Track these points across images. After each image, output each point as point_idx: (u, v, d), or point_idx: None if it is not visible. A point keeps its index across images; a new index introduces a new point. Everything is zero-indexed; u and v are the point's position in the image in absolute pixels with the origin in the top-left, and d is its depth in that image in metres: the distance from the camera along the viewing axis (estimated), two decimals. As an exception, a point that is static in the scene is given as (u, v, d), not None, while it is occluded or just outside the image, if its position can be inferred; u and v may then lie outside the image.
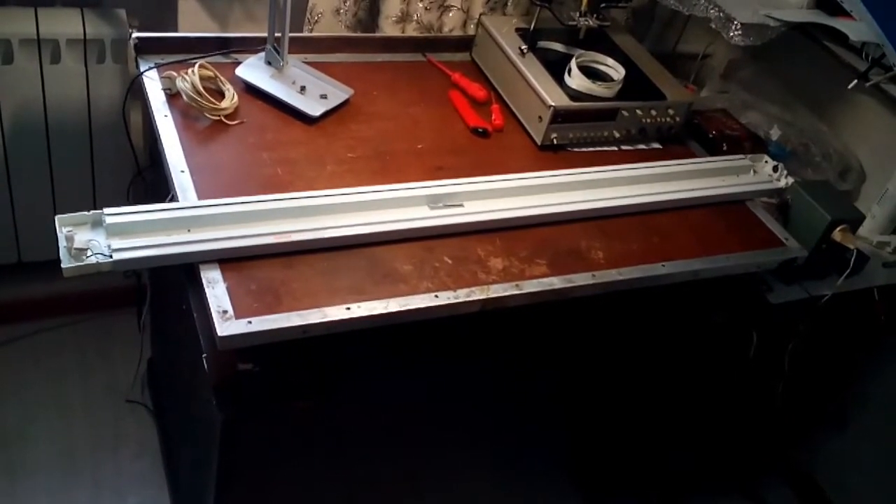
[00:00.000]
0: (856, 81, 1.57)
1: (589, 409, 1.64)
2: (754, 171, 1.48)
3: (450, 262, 1.15)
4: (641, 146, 1.54)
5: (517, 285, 1.14)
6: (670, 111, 1.52)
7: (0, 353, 1.90)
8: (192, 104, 1.27)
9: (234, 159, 1.24)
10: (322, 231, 1.11)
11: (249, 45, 1.43)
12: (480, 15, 1.67)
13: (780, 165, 1.48)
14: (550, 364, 1.45)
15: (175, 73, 1.30)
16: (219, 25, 1.70)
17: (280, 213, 1.11)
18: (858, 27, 1.57)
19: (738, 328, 1.44)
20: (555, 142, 1.44)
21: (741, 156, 1.51)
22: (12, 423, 1.78)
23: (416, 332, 1.13)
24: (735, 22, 1.59)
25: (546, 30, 1.57)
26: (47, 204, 1.74)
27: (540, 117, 1.43)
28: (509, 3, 1.83)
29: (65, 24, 1.55)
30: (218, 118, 1.29)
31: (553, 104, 1.40)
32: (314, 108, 1.35)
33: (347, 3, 1.69)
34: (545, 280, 1.17)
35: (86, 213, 1.03)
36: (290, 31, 1.35)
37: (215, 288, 1.01)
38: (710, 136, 1.62)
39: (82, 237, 1.00)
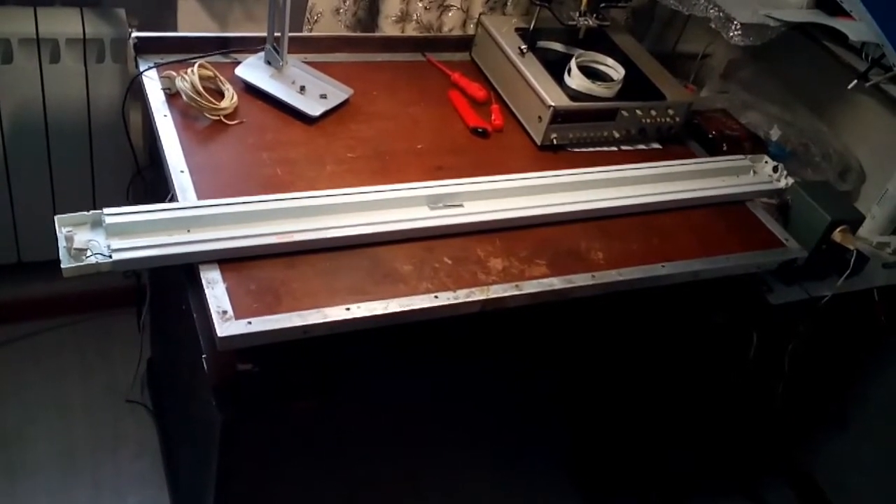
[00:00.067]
0: (855, 81, 1.57)
1: (589, 409, 1.64)
2: (754, 172, 1.48)
3: (450, 262, 1.15)
4: (641, 146, 1.54)
5: (517, 286, 1.14)
6: (670, 111, 1.52)
7: (0, 354, 1.90)
8: (192, 104, 1.27)
9: (233, 159, 1.24)
10: (322, 231, 1.10)
11: (249, 45, 1.43)
12: (480, 15, 1.67)
13: (780, 166, 1.48)
14: (550, 364, 1.45)
15: (174, 73, 1.30)
16: (218, 25, 1.70)
17: (280, 214, 1.11)
18: (858, 27, 1.57)
19: (739, 329, 1.44)
20: (554, 142, 1.44)
21: (741, 156, 1.51)
22: (12, 423, 1.78)
23: (417, 333, 1.13)
24: (735, 22, 1.59)
25: (546, 29, 1.57)
26: (47, 204, 1.74)
27: (540, 117, 1.42)
28: (509, 3, 1.83)
29: (64, 24, 1.55)
30: (217, 118, 1.28)
31: (553, 104, 1.40)
32: (314, 108, 1.35)
33: (347, 3, 1.69)
34: (545, 280, 1.16)
35: (85, 213, 1.03)
36: (290, 31, 1.35)
37: (215, 288, 1.01)
38: (710, 136, 1.62)
39: (82, 237, 1.00)
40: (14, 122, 1.62)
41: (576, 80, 1.46)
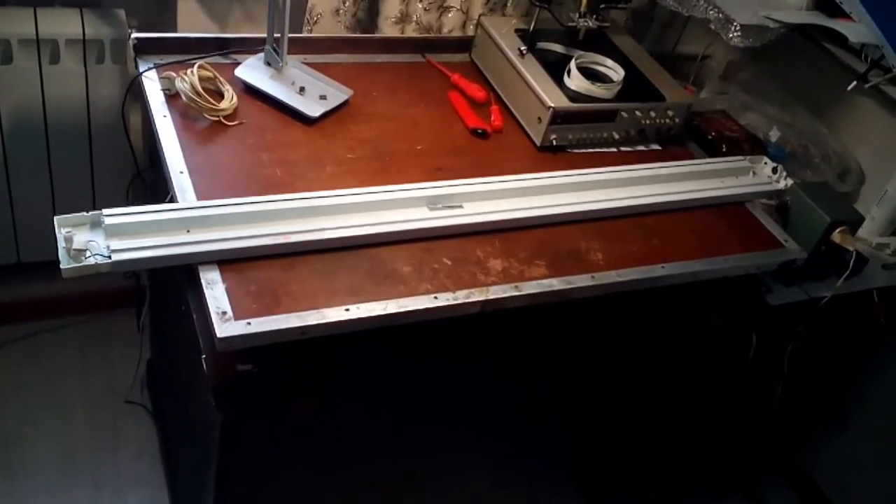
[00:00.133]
0: (855, 83, 1.57)
1: (589, 409, 1.64)
2: (753, 173, 1.48)
3: (449, 263, 1.15)
4: (641, 147, 1.54)
5: (516, 286, 1.14)
6: (669, 112, 1.52)
7: (0, 354, 1.90)
8: (192, 105, 1.27)
9: (233, 160, 1.24)
10: (321, 232, 1.11)
11: (249, 46, 1.43)
12: (480, 16, 1.67)
13: (780, 167, 1.48)
14: (550, 365, 1.45)
15: (174, 74, 1.30)
16: (218, 26, 1.70)
17: (279, 214, 1.11)
18: (858, 28, 1.57)
19: (738, 330, 1.44)
20: (554, 143, 1.44)
21: (740, 157, 1.51)
22: (12, 423, 1.78)
23: (416, 334, 1.13)
24: (734, 23, 1.59)
25: (545, 31, 1.57)
26: (46, 204, 1.74)
27: (539, 118, 1.43)
28: (509, 4, 1.83)
29: (64, 25, 1.56)
30: (217, 119, 1.29)
31: (552, 105, 1.40)
32: (313, 109, 1.35)
33: (347, 4, 1.69)
34: (544, 281, 1.16)
35: (85, 213, 1.03)
36: (290, 32, 1.35)
37: (214, 289, 1.01)
38: (710, 137, 1.62)
39: (81, 238, 1.00)
40: (14, 123, 1.62)
41: (575, 81, 1.46)
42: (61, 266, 0.97)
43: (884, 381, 1.84)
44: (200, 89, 1.27)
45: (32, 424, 1.79)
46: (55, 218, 1.02)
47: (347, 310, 1.03)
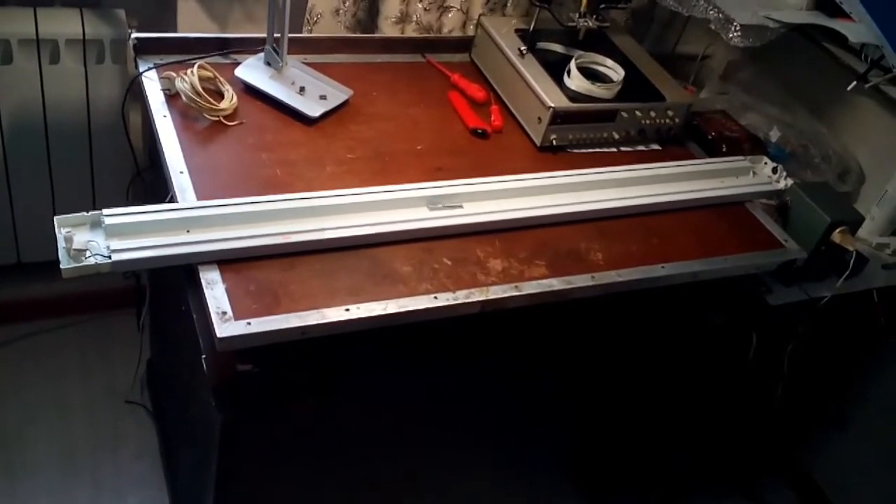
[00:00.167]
0: (855, 83, 1.57)
1: (589, 409, 1.64)
2: (753, 173, 1.48)
3: (449, 263, 1.15)
4: (641, 147, 1.54)
5: (516, 287, 1.14)
6: (669, 112, 1.52)
7: (0, 354, 1.90)
8: (192, 105, 1.27)
9: (233, 160, 1.24)
10: (321, 232, 1.11)
11: (249, 46, 1.43)
12: (480, 16, 1.67)
13: (780, 167, 1.48)
14: (550, 365, 1.45)
15: (174, 74, 1.30)
16: (218, 26, 1.70)
17: (279, 214, 1.11)
18: (858, 28, 1.57)
19: (738, 330, 1.44)
20: (554, 143, 1.44)
21: (740, 157, 1.51)
22: (12, 423, 1.78)
23: (416, 334, 1.13)
24: (734, 23, 1.59)
25: (545, 31, 1.57)
26: (46, 204, 1.74)
27: (539, 118, 1.43)
28: (509, 4, 1.83)
29: (64, 25, 1.55)
30: (217, 119, 1.29)
31: (552, 105, 1.40)
32: (313, 109, 1.35)
33: (347, 4, 1.69)
34: (544, 281, 1.16)
35: (85, 213, 1.03)
36: (290, 32, 1.35)
37: (214, 289, 1.01)
38: (710, 137, 1.62)
39: (81, 238, 1.00)
40: (14, 123, 1.62)
41: (575, 81, 1.46)
42: (61, 266, 0.97)
43: (884, 381, 1.84)
44: (200, 89, 1.27)
45: (32, 424, 1.79)
46: (55, 218, 1.02)
47: (347, 310, 1.03)
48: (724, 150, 1.60)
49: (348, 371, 1.16)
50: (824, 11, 1.65)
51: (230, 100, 1.31)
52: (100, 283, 1.37)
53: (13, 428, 1.77)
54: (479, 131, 1.44)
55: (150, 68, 1.34)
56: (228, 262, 1.05)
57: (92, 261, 0.98)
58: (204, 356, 1.03)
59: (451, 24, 1.78)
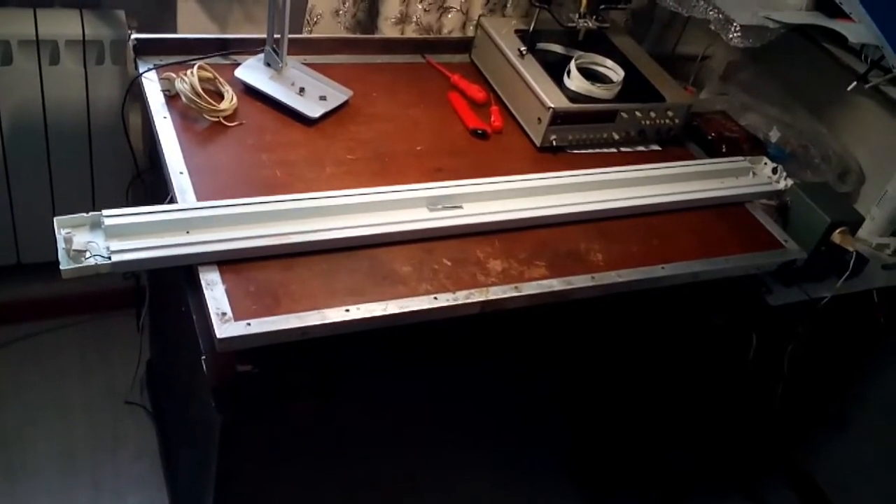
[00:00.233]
0: (855, 83, 1.57)
1: (589, 409, 1.64)
2: (753, 173, 1.48)
3: (449, 263, 1.15)
4: (640, 148, 1.54)
5: (516, 287, 1.14)
6: (669, 113, 1.52)
7: (0, 354, 1.90)
8: (191, 105, 1.27)
9: (233, 161, 1.24)
10: (321, 233, 1.10)
11: (248, 47, 1.43)
12: (480, 16, 1.67)
13: (780, 167, 1.48)
14: (550, 366, 1.45)
15: (174, 75, 1.30)
16: (218, 27, 1.70)
17: (279, 215, 1.11)
18: (858, 29, 1.57)
19: (738, 330, 1.44)
20: (554, 143, 1.44)
21: (740, 158, 1.51)
22: (12, 424, 1.78)
23: (416, 334, 1.13)
24: (734, 24, 1.59)
25: (545, 31, 1.57)
26: (46, 205, 1.74)
27: (539, 119, 1.43)
28: (508, 5, 1.83)
29: (64, 26, 1.55)
30: (217, 119, 1.29)
31: (552, 106, 1.40)
32: (313, 110, 1.35)
33: (346, 5, 1.69)
34: (544, 282, 1.16)
35: (84, 214, 1.03)
36: (290, 33, 1.35)
37: (214, 290, 1.01)
38: (710, 137, 1.62)
39: (81, 239, 1.00)
40: (14, 124, 1.62)
41: (575, 81, 1.46)
42: (61, 267, 0.97)
43: (884, 382, 1.84)
44: (200, 90, 1.27)
45: (32, 425, 1.79)
46: (55, 219, 1.02)
47: (347, 310, 1.03)
48: (723, 150, 1.60)
49: (348, 372, 1.16)
50: (824, 12, 1.65)
51: (230, 100, 1.31)
52: (99, 284, 1.37)
53: (13, 428, 1.77)
54: (479, 132, 1.44)
55: (149, 69, 1.34)
56: (228, 262, 1.05)
57: (92, 261, 0.98)
58: (204, 357, 1.03)
59: (450, 25, 1.78)
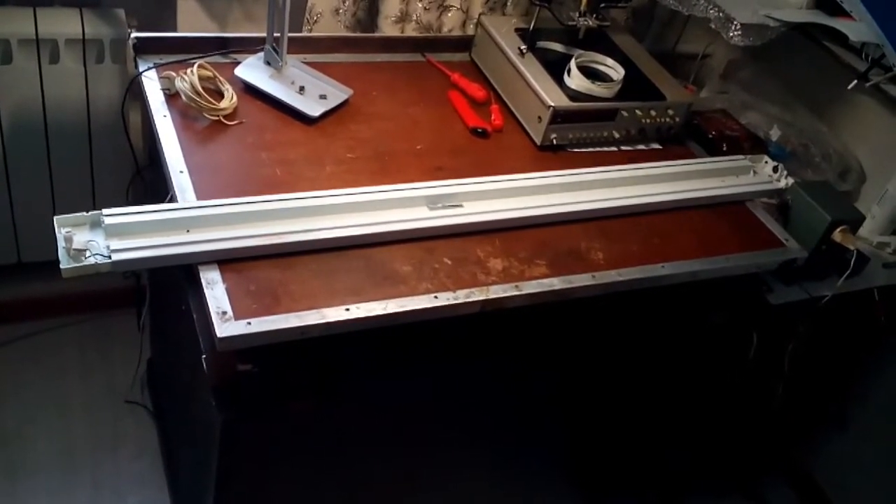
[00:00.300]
0: (855, 82, 1.57)
1: (588, 409, 1.64)
2: (754, 172, 1.48)
3: (449, 262, 1.15)
4: (641, 146, 1.54)
5: (517, 286, 1.14)
6: (670, 111, 1.52)
7: (0, 354, 1.90)
8: (191, 104, 1.27)
9: (233, 160, 1.24)
10: (321, 232, 1.10)
11: (248, 45, 1.43)
12: (480, 15, 1.67)
13: (780, 166, 1.48)
14: (550, 365, 1.45)
15: (174, 73, 1.30)
16: (218, 25, 1.70)
17: (279, 214, 1.11)
18: (858, 27, 1.57)
19: (738, 329, 1.44)
20: (554, 142, 1.44)
21: (741, 156, 1.51)
22: (12, 423, 1.78)
23: (416, 333, 1.13)
24: (735, 22, 1.59)
25: (545, 30, 1.57)
26: (46, 204, 1.74)
27: (539, 117, 1.42)
28: (509, 3, 1.83)
29: (63, 24, 1.55)
30: (217, 118, 1.28)
31: (552, 104, 1.40)
32: (313, 109, 1.35)
33: (346, 3, 1.68)
34: (545, 281, 1.16)
35: (84, 213, 1.03)
36: (289, 31, 1.35)
37: (214, 289, 1.01)
38: (710, 136, 1.62)
39: (81, 238, 1.00)
40: (14, 123, 1.62)
41: (575, 80, 1.46)
42: (61, 266, 0.97)
43: (884, 381, 1.84)
44: (200, 89, 1.27)
45: (32, 424, 1.79)
46: (55, 218, 1.02)
47: (347, 310, 1.03)
48: (724, 149, 1.60)
49: (348, 371, 1.16)
50: (825, 10, 1.65)
51: (230, 99, 1.31)
52: (100, 283, 1.36)
53: (13, 427, 1.77)
54: (480, 131, 1.44)
55: (149, 68, 1.34)
56: (228, 261, 1.05)
57: (92, 261, 0.98)
58: (204, 356, 1.02)
59: (450, 24, 1.78)
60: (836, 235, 1.38)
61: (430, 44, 1.64)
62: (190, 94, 1.26)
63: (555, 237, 1.25)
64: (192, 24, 1.66)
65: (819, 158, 1.68)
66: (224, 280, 1.02)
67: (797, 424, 1.93)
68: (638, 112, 1.49)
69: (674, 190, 1.38)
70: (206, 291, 1.00)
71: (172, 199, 1.14)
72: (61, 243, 0.98)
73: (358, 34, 1.75)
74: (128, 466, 1.76)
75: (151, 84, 1.32)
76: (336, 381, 1.14)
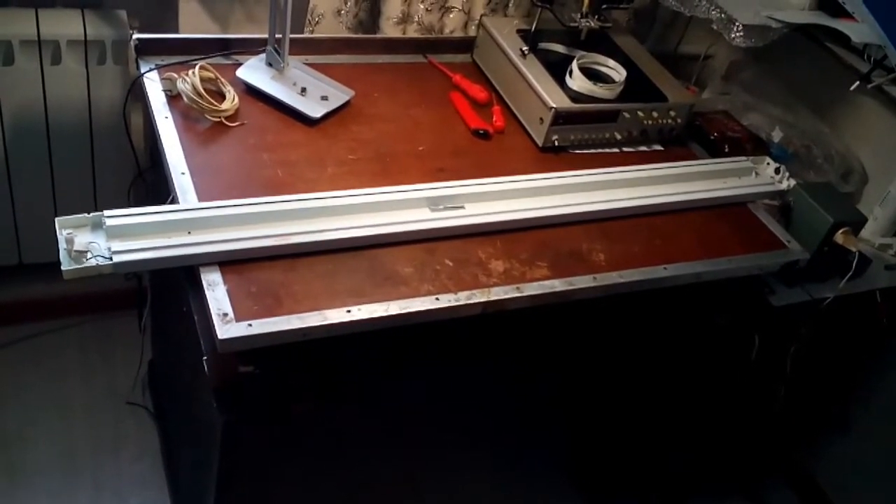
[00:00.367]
0: (858, 83, 1.57)
1: (590, 410, 1.64)
2: (756, 173, 1.48)
3: (451, 264, 1.15)
4: (643, 148, 1.54)
5: (518, 288, 1.14)
6: (672, 113, 1.52)
7: (1, 355, 1.90)
8: (193, 105, 1.27)
9: (234, 161, 1.24)
10: (323, 233, 1.10)
11: (250, 47, 1.43)
12: (481, 16, 1.67)
13: (782, 167, 1.48)
14: (551, 366, 1.45)
15: (176, 75, 1.30)
16: (219, 27, 1.70)
17: (280, 216, 1.11)
18: (860, 28, 1.57)
19: (740, 331, 1.43)
20: (556, 143, 1.44)
21: (743, 158, 1.51)
22: (13, 424, 1.78)
23: (417, 335, 1.13)
24: (737, 23, 1.59)
25: (547, 31, 1.57)
26: (48, 205, 1.74)
27: (541, 119, 1.42)
28: (510, 5, 1.83)
29: (65, 26, 1.55)
30: (218, 120, 1.28)
31: (554, 106, 1.40)
32: (315, 110, 1.35)
33: (348, 5, 1.68)
34: (546, 282, 1.16)
35: (86, 215, 1.03)
36: (291, 33, 1.35)
37: (216, 290, 1.01)
38: (712, 137, 1.62)
39: (82, 239, 1.00)
40: (15, 124, 1.62)
41: (577, 81, 1.46)
42: (62, 267, 0.97)
43: (886, 383, 1.83)
44: (202, 90, 1.27)
45: (33, 425, 1.79)
46: (56, 219, 1.02)
47: (349, 311, 1.03)
48: (726, 150, 1.60)
49: (349, 373, 1.16)
50: (827, 11, 1.65)
51: (231, 100, 1.31)
52: (101, 285, 1.36)
53: (14, 429, 1.77)
54: (481, 132, 1.44)
55: (151, 69, 1.34)
56: (230, 263, 1.04)
57: (93, 262, 0.98)
58: (205, 357, 1.02)
59: (452, 25, 1.78)
60: (838, 237, 1.37)
61: (431, 45, 1.64)
62: (191, 95, 1.26)
63: (556, 239, 1.25)
64: (193, 25, 1.66)
65: (821, 160, 1.67)
66: (225, 281, 1.02)
67: (799, 426, 1.93)
68: (640, 113, 1.49)
69: (675, 191, 1.38)
70: (208, 293, 1.00)
71: (174, 201, 1.13)
72: (62, 245, 0.98)
73: (359, 35, 1.74)
74: (129, 468, 1.76)
75: (153, 85, 1.32)
76: (337, 383, 1.14)
